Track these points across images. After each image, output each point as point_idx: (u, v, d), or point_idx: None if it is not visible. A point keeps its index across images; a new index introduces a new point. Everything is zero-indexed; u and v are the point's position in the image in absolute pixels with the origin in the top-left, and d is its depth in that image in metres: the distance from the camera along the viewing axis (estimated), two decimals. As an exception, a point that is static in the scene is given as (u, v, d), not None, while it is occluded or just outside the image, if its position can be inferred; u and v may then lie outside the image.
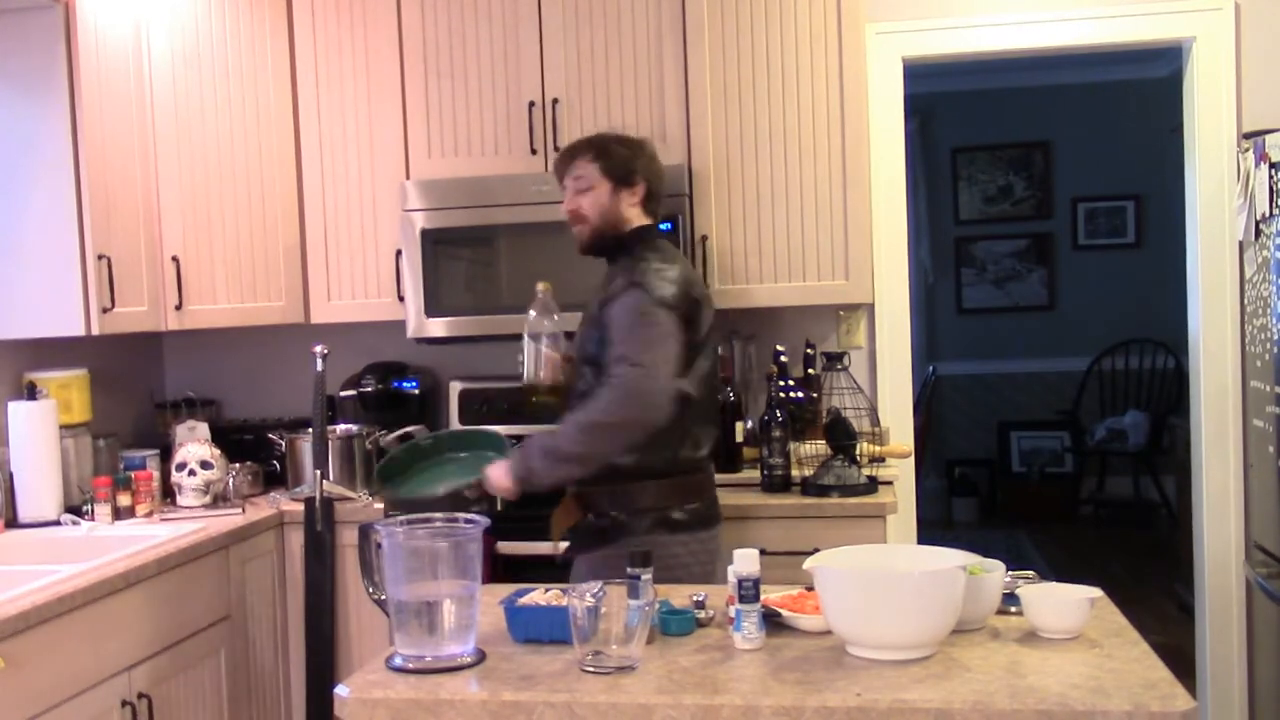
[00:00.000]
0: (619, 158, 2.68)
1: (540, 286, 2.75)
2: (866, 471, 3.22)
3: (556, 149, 3.49)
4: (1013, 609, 2.03)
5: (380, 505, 3.14)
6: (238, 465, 3.52)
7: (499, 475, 2.53)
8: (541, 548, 3.16)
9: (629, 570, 1.96)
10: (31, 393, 3.20)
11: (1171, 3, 3.61)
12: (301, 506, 3.32)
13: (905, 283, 3.78)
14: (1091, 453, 7.60)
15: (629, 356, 2.46)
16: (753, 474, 3.30)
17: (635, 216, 2.69)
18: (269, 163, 3.64)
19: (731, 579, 1.96)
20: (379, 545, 1.99)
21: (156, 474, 3.40)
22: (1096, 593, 2.01)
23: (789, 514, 3.11)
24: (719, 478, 2.83)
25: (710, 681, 1.79)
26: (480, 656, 1.92)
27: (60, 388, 3.26)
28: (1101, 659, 1.83)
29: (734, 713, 1.70)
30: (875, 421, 3.37)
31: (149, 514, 3.25)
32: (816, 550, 2.04)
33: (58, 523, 3.11)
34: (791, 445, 3.25)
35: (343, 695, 1.82)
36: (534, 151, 3.52)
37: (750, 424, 3.48)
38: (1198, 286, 3.69)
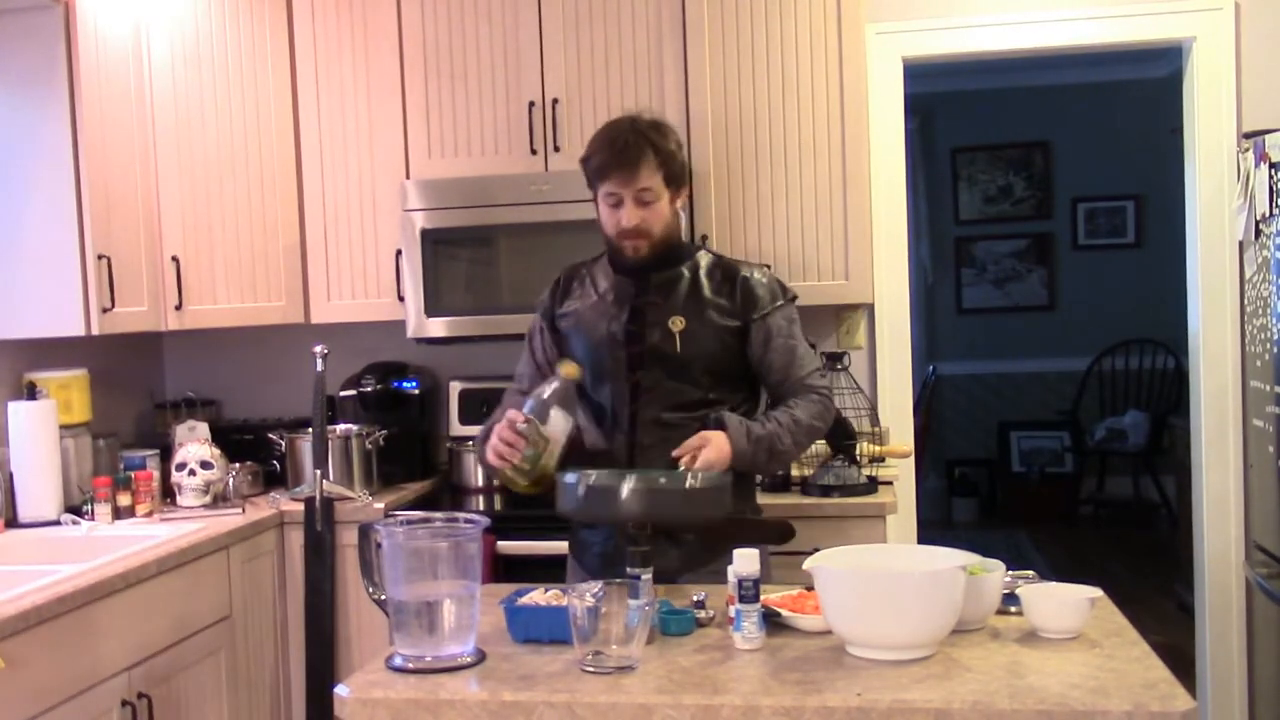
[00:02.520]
0: (676, 162, 2.50)
1: (564, 370, 2.35)
2: (866, 471, 3.22)
3: (556, 149, 3.49)
4: (1013, 609, 2.03)
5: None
6: (238, 465, 3.51)
7: (721, 446, 2.33)
8: (541, 547, 3.17)
9: (629, 570, 1.96)
10: (31, 393, 3.20)
11: (1171, 3, 3.61)
12: (301, 506, 3.32)
13: (905, 283, 3.78)
14: (1091, 453, 7.60)
15: (820, 369, 2.63)
16: (753, 474, 3.30)
17: (675, 216, 2.56)
18: (269, 163, 3.64)
19: (731, 579, 1.96)
20: (379, 545, 1.99)
21: (156, 474, 3.40)
22: (1096, 593, 2.01)
23: (789, 514, 3.07)
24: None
25: (710, 681, 1.79)
26: (480, 656, 1.92)
27: (60, 388, 3.26)
28: (1101, 659, 1.83)
29: (734, 713, 1.70)
30: (875, 421, 3.38)
31: (149, 514, 3.25)
32: (816, 550, 2.03)
33: (58, 523, 3.11)
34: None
35: (343, 695, 1.82)
36: (534, 151, 3.52)
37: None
38: (1198, 286, 3.69)
